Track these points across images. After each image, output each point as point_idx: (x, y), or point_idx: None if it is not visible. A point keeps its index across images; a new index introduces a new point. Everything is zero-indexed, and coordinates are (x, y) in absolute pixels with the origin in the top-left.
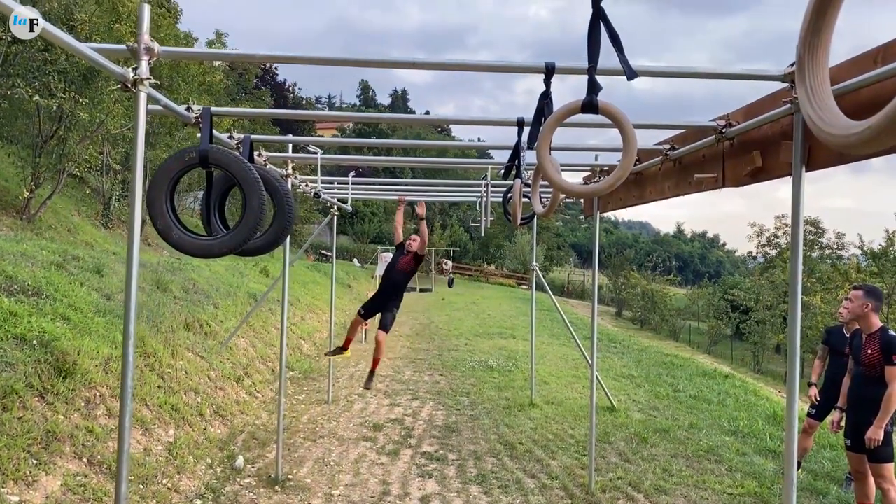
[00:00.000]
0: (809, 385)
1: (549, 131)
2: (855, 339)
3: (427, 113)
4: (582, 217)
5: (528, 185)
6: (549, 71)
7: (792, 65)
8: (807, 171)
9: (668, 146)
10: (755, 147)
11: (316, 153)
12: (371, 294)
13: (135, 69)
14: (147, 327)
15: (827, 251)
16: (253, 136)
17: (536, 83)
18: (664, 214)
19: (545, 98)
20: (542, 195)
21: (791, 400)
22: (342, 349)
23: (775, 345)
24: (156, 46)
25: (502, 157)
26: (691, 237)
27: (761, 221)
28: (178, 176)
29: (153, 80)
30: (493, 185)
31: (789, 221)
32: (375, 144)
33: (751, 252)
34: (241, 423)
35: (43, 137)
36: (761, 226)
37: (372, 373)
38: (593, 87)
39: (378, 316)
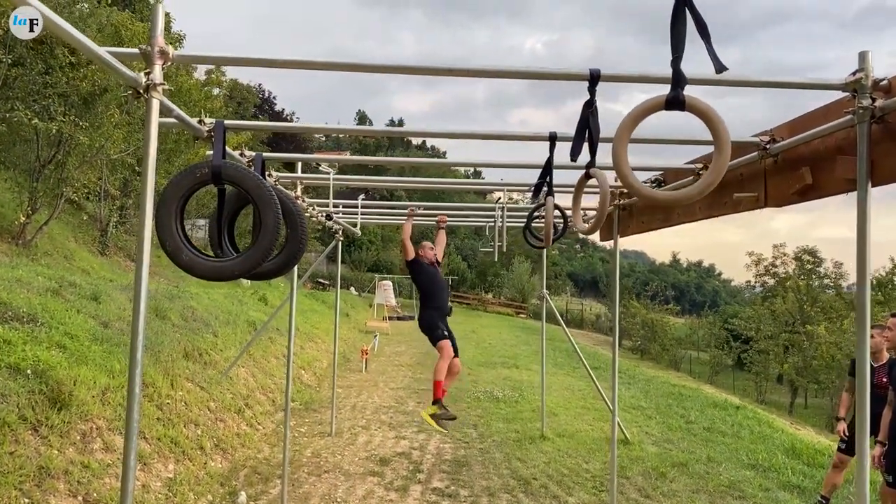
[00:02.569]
0: (837, 420)
1: (626, 131)
2: (894, 370)
3: (424, 143)
4: (578, 246)
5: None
6: (594, 78)
7: (855, 73)
8: (872, 185)
9: (700, 165)
10: (804, 163)
11: (328, 173)
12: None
13: (147, 73)
14: (145, 356)
15: (826, 280)
16: (266, 155)
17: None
18: (660, 243)
19: (590, 107)
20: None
21: (861, 460)
22: (441, 405)
23: (777, 375)
24: (170, 50)
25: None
26: (687, 266)
27: (757, 251)
28: (188, 194)
29: (167, 86)
30: (508, 208)
31: (787, 251)
32: (389, 162)
33: (749, 281)
34: (242, 456)
35: (41, 162)
36: (759, 255)
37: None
38: (678, 81)
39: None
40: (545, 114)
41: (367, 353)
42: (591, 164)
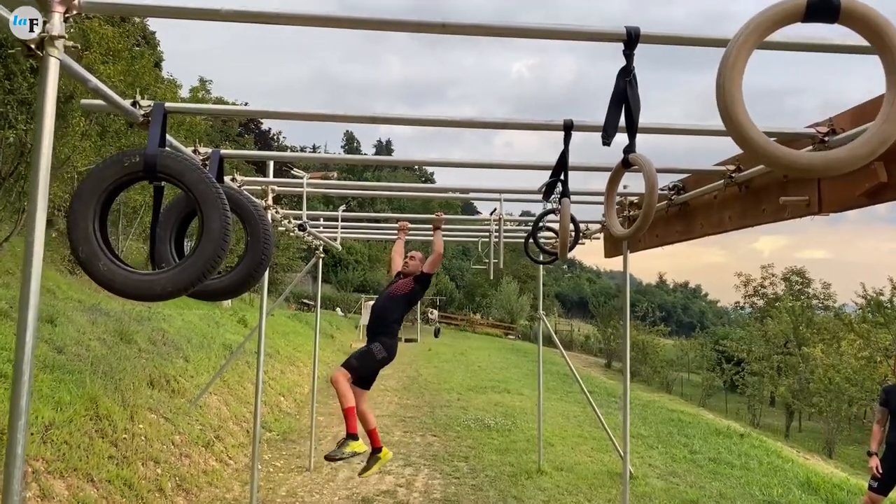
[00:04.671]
0: (869, 454)
1: (744, 53)
2: (892, 395)
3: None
4: (565, 266)
5: (554, 212)
6: (632, 39)
7: None
8: None
9: (732, 166)
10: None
11: (301, 177)
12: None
13: (43, 23)
14: (101, 385)
15: (815, 301)
16: (224, 151)
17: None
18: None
19: (627, 75)
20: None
21: None
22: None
23: (770, 397)
24: None
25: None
26: (673, 287)
27: (741, 273)
28: (114, 188)
29: (71, 43)
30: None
31: (776, 272)
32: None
33: (738, 302)
34: (208, 497)
35: (0, 174)
36: (748, 276)
37: (347, 436)
38: None
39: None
40: (530, 137)
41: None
42: (631, 147)
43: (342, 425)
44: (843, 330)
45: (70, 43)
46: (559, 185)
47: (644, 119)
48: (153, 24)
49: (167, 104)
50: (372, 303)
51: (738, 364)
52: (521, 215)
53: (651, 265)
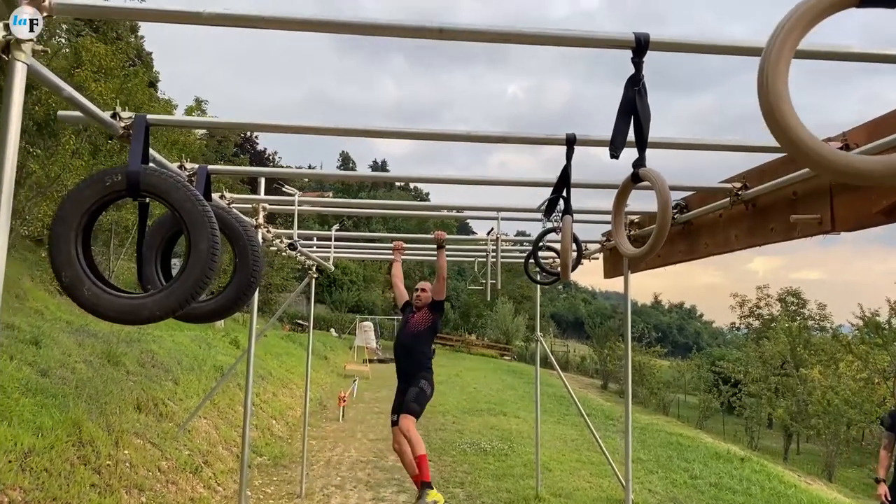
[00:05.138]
0: (877, 481)
1: (791, 41)
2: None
3: (406, 184)
4: (561, 287)
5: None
6: (642, 46)
7: None
8: None
9: (738, 184)
10: None
11: (292, 194)
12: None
13: (6, 25)
14: (86, 409)
15: (810, 322)
16: (211, 167)
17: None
18: (640, 284)
19: (636, 84)
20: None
21: None
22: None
23: (767, 419)
24: None
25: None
26: (669, 308)
27: (736, 293)
28: (96, 208)
29: (41, 47)
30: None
31: (771, 292)
32: (371, 205)
33: (734, 323)
34: None
35: None
36: (743, 296)
37: (422, 485)
38: None
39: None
40: (524, 158)
41: (344, 400)
42: (641, 161)
43: (335, 450)
44: (842, 351)
45: (39, 47)
46: (561, 202)
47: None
48: (149, 45)
49: (150, 116)
50: (366, 334)
51: (735, 385)
52: (516, 234)
53: (646, 285)
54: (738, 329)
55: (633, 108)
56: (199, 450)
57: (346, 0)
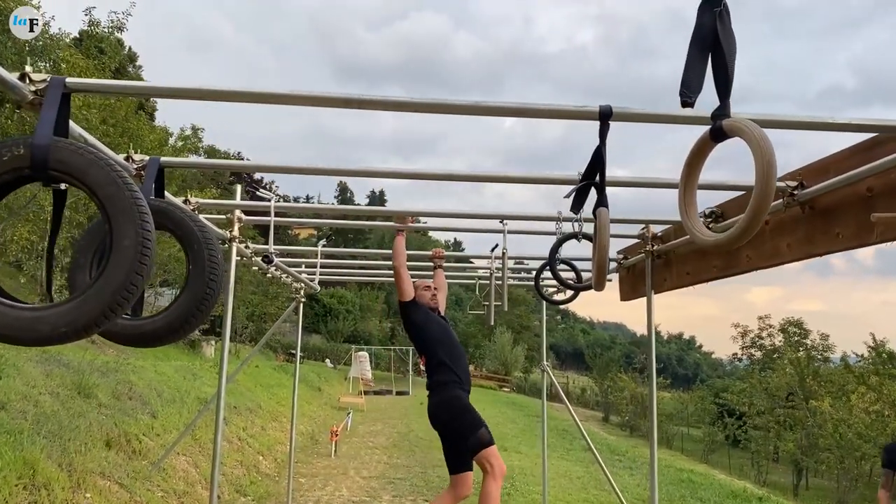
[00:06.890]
0: None
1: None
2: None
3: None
4: (559, 316)
5: (587, 238)
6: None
7: None
8: None
9: (793, 182)
10: None
11: (269, 199)
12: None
13: None
14: (44, 447)
15: (813, 352)
16: (164, 159)
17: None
18: (638, 316)
19: (718, 3)
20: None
21: None
22: None
23: (773, 452)
24: None
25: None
26: (668, 339)
27: (737, 323)
28: None
29: None
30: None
31: (773, 322)
32: (368, 226)
33: (735, 354)
34: None
35: None
36: (745, 326)
37: None
38: None
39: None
40: (523, 189)
41: (337, 435)
42: (724, 110)
43: (325, 488)
44: (853, 382)
45: None
46: (593, 190)
47: (631, 172)
48: (147, 74)
49: (70, 79)
50: (361, 364)
51: (740, 418)
52: (514, 263)
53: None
54: (739, 360)
55: (714, 37)
56: (174, 490)
57: (345, 38)
